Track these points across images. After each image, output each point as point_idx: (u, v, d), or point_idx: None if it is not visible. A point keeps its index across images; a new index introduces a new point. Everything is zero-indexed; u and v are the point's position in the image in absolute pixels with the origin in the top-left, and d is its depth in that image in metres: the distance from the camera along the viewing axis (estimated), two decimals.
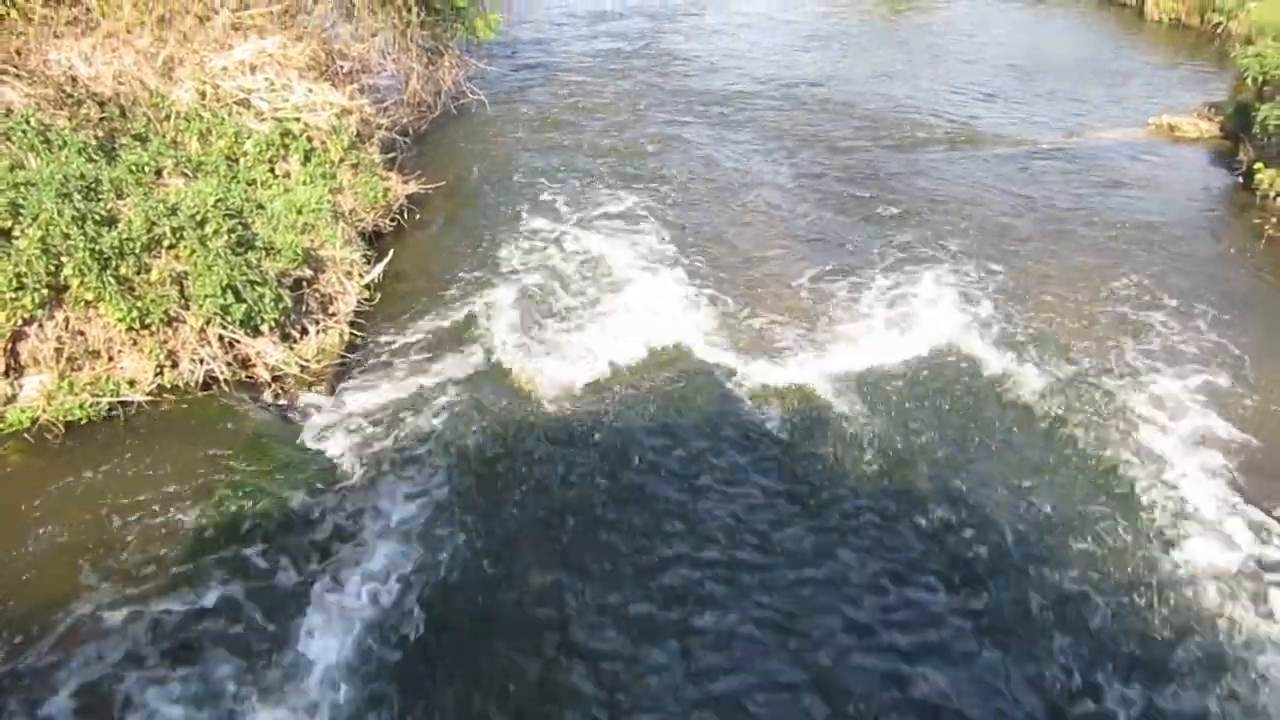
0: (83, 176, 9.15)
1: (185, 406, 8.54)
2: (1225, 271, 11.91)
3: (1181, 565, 7.40)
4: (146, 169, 10.11)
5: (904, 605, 7.09)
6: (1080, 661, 6.63)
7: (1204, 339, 10.28)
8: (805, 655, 6.63)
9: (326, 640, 6.49)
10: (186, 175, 10.42)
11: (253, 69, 12.06)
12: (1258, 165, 13.94)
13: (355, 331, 9.88)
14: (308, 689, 6.17)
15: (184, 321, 8.76)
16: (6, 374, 8.24)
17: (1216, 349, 10.11)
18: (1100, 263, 11.88)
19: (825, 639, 6.74)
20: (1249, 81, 15.12)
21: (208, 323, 8.75)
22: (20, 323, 8.19)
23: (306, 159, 11.69)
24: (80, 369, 8.44)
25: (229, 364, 8.95)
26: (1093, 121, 17.00)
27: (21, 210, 8.41)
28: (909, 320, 10.50)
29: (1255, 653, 6.72)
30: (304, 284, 9.84)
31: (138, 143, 10.74)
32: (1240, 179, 14.42)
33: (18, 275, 8.04)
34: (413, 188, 12.70)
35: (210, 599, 6.65)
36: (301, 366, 9.21)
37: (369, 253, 11.08)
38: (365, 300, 10.38)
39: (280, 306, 9.19)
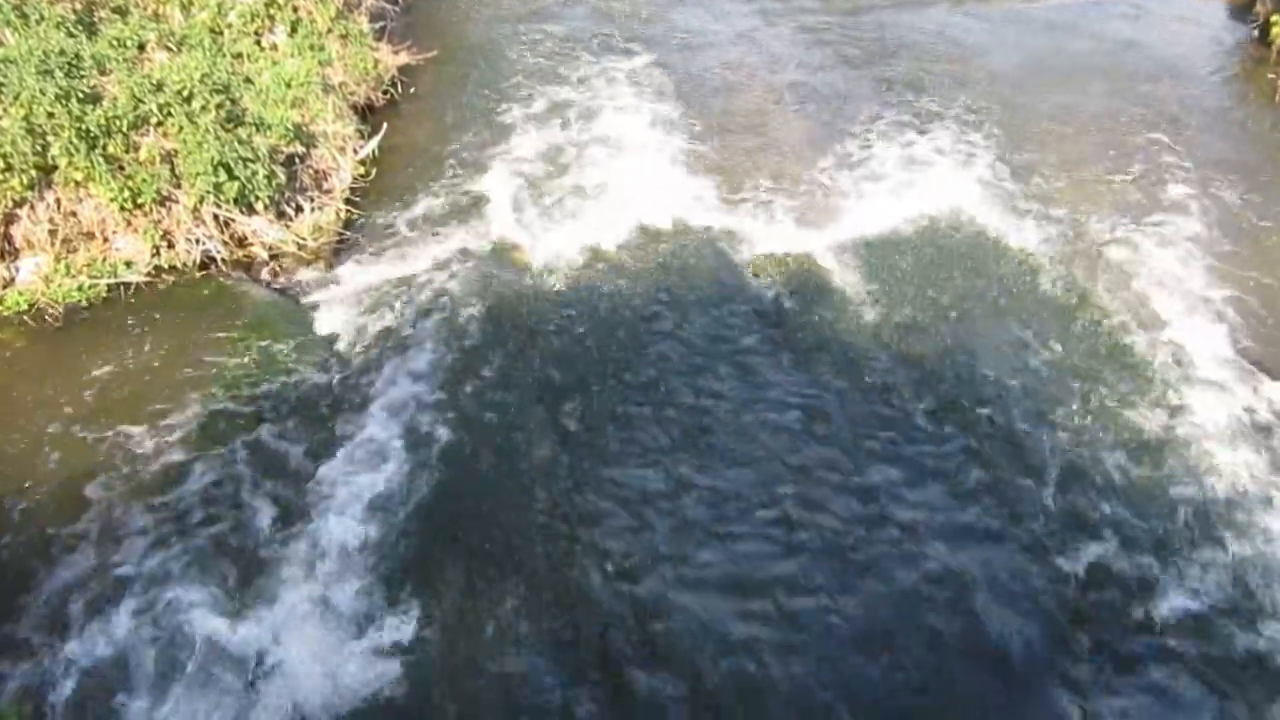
0: (63, 52, 8.89)
1: (184, 286, 8.56)
2: (1237, 129, 11.67)
3: (1182, 423, 7.48)
4: (129, 43, 9.80)
5: (897, 457, 7.23)
6: (1072, 518, 6.77)
7: (1210, 198, 10.14)
8: (798, 506, 6.80)
9: (334, 512, 6.60)
10: (170, 49, 10.10)
11: None
12: (1274, 18, 13.43)
13: (351, 208, 9.75)
14: (317, 558, 6.32)
15: (177, 201, 8.66)
16: (2, 257, 8.20)
17: (1223, 209, 9.97)
18: (1108, 121, 11.64)
19: (822, 497, 6.87)
20: None
21: (201, 201, 8.64)
22: (11, 205, 8.11)
23: (293, 30, 11.31)
24: (75, 251, 8.40)
25: (225, 243, 8.89)
26: None
27: (2, 89, 8.22)
28: (912, 183, 10.35)
29: (1252, 509, 6.84)
30: (297, 160, 9.64)
31: (117, 16, 10.37)
32: (1256, 33, 13.96)
33: (3, 156, 7.93)
34: (404, 58, 12.33)
35: (217, 475, 6.78)
36: (298, 244, 9.14)
37: (362, 127, 10.84)
38: (361, 176, 10.21)
39: (274, 183, 9.06)
